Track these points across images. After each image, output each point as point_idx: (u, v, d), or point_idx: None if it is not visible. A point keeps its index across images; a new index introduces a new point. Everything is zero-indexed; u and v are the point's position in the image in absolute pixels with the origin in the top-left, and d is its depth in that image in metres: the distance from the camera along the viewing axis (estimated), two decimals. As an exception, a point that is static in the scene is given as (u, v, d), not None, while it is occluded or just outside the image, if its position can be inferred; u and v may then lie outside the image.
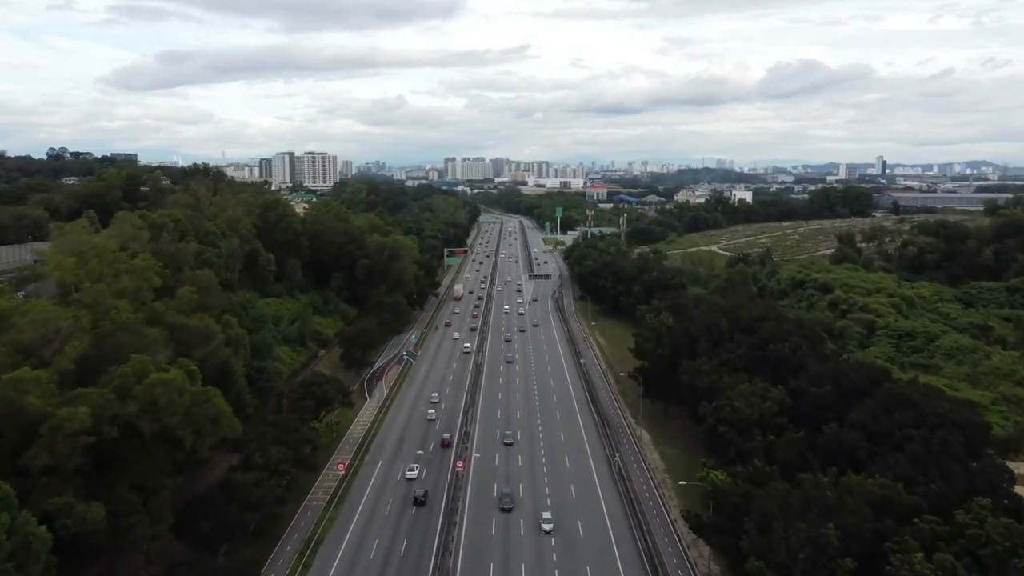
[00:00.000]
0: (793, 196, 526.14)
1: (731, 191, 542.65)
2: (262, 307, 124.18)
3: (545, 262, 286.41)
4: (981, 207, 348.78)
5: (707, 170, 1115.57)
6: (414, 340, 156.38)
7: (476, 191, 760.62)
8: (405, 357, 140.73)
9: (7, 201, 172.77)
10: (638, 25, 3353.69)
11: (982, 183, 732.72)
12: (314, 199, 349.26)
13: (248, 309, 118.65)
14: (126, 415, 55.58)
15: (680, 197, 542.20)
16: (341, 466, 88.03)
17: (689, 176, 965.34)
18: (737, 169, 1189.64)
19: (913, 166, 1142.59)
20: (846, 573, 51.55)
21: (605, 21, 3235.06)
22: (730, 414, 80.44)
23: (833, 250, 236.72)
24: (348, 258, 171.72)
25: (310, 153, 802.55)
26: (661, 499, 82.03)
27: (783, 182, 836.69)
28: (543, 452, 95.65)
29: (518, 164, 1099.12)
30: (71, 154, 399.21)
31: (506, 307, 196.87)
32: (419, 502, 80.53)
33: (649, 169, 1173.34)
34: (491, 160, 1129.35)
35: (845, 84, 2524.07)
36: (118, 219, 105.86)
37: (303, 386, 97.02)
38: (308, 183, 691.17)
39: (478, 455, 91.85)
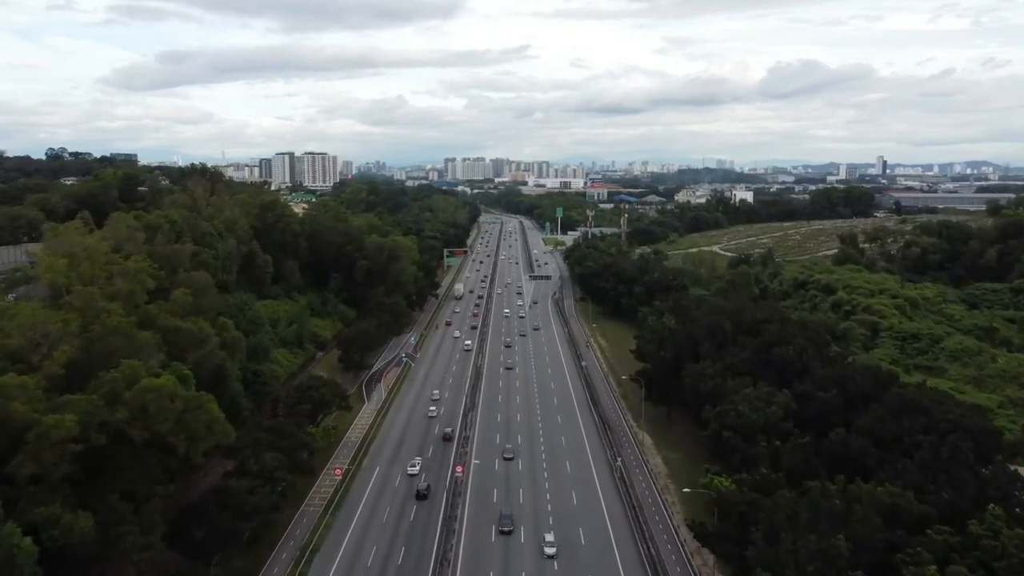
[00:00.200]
0: (794, 196, 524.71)
1: (731, 191, 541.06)
2: (259, 309, 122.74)
3: (545, 263, 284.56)
4: (982, 207, 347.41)
5: (707, 170, 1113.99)
6: (413, 342, 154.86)
7: (476, 191, 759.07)
8: (404, 359, 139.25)
9: (3, 201, 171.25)
10: (638, 25, 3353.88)
11: (983, 183, 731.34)
12: (313, 199, 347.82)
13: (245, 311, 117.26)
14: (115, 422, 54.07)
15: (680, 197, 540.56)
16: (338, 471, 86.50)
17: (689, 176, 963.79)
18: (737, 169, 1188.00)
19: (913, 166, 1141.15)
20: (856, 585, 50.15)
21: (605, 21, 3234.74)
22: (735, 419, 78.93)
23: (835, 251, 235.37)
24: (347, 259, 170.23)
25: (310, 153, 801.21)
26: (664, 505, 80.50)
27: (783, 182, 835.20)
28: (544, 457, 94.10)
29: (518, 164, 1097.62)
30: (70, 154, 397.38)
31: (506, 310, 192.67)
32: (422, 495, 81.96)
33: (649, 169, 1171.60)
34: (491, 160, 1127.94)
35: (845, 84, 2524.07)
36: (112, 220, 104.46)
37: (299, 390, 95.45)
38: (308, 183, 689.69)
39: (477, 461, 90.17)
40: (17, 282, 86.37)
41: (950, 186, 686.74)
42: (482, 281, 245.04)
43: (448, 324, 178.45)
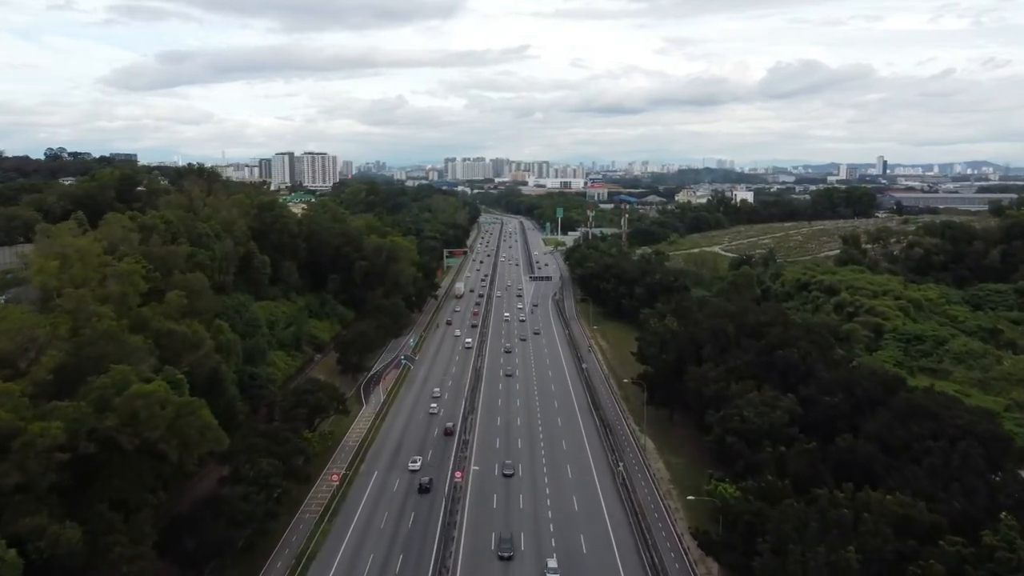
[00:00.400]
0: (795, 196, 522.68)
1: (732, 191, 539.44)
2: (256, 311, 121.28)
3: (546, 264, 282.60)
4: (984, 207, 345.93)
5: (707, 170, 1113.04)
6: (412, 343, 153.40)
7: (476, 191, 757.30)
8: (403, 361, 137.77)
9: (0, 202, 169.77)
10: (638, 25, 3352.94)
11: (983, 183, 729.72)
12: (313, 199, 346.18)
13: (242, 313, 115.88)
14: (105, 429, 52.58)
15: (681, 197, 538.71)
16: (335, 476, 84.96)
17: (690, 176, 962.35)
18: (737, 169, 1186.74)
19: (914, 166, 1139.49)
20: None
21: (605, 21, 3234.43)
22: (739, 424, 77.41)
23: (837, 251, 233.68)
24: (345, 260, 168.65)
25: (310, 153, 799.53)
26: (667, 511, 78.99)
27: (784, 182, 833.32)
28: (544, 462, 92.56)
29: (518, 164, 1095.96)
30: (69, 154, 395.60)
31: (506, 314, 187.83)
32: (424, 489, 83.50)
33: (649, 169, 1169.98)
34: (491, 160, 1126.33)
35: (845, 84, 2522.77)
36: (107, 221, 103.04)
37: (296, 394, 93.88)
38: (308, 183, 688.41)
39: (477, 468, 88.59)
40: (7, 284, 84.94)
41: (951, 186, 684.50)
42: (482, 280, 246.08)
43: (449, 323, 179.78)
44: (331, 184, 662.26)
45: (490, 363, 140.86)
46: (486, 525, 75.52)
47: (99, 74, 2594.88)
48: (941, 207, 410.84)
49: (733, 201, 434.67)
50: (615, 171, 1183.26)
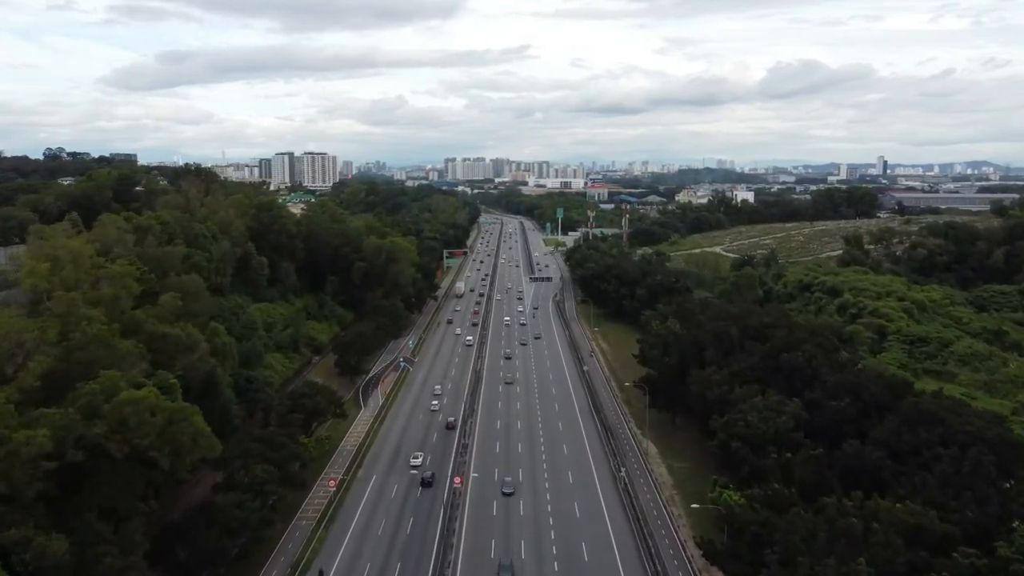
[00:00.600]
0: (795, 196, 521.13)
1: (732, 191, 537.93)
2: (253, 312, 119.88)
3: (547, 265, 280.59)
4: (985, 207, 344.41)
5: (708, 170, 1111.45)
6: (411, 345, 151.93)
7: (476, 191, 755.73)
8: (402, 363, 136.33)
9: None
10: (638, 25, 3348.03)
11: (984, 183, 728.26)
12: (312, 199, 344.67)
13: (238, 315, 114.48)
14: (93, 437, 51.07)
15: (681, 197, 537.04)
16: (332, 482, 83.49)
17: (690, 176, 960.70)
18: (738, 169, 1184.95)
19: (914, 166, 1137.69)
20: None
21: (605, 21, 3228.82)
22: (743, 429, 75.92)
23: (839, 252, 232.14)
24: (344, 261, 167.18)
25: (309, 153, 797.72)
26: (670, 518, 77.49)
27: (784, 182, 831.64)
28: (545, 467, 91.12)
29: (518, 164, 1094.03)
30: (68, 154, 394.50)
31: (507, 318, 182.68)
32: (426, 483, 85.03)
33: (650, 169, 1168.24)
34: (491, 160, 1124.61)
35: (845, 84, 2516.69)
36: (101, 222, 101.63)
37: (292, 398, 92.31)
38: (308, 183, 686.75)
39: (476, 475, 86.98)
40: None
41: (951, 186, 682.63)
42: (483, 280, 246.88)
43: (450, 322, 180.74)
44: (331, 184, 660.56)
45: (490, 368, 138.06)
46: (486, 531, 74.12)
47: (99, 74, 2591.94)
48: (942, 207, 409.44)
49: (734, 201, 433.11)
50: (615, 171, 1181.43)
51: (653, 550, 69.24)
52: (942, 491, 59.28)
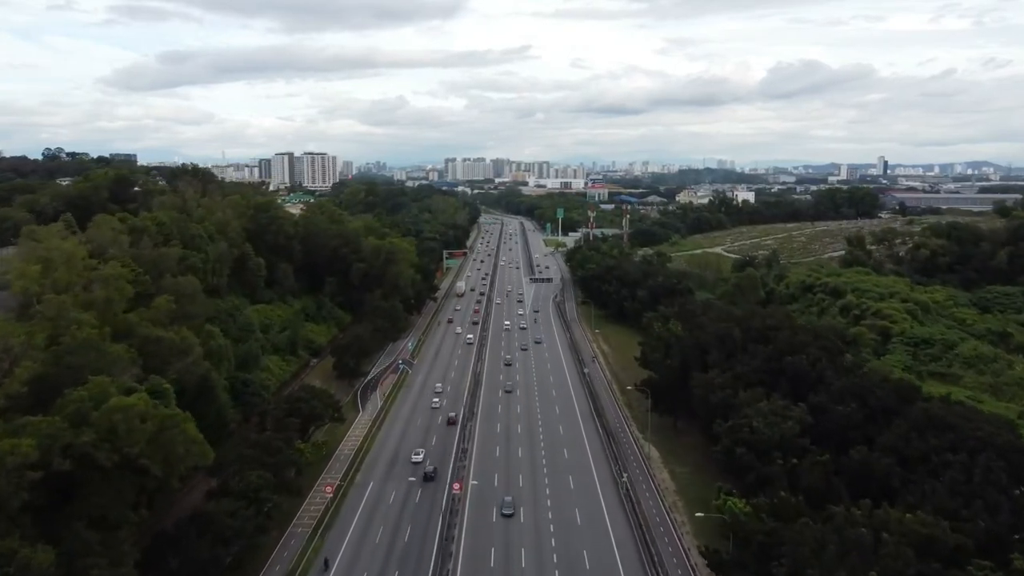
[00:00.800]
0: (796, 196, 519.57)
1: (733, 191, 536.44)
2: (250, 314, 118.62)
3: (547, 266, 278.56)
4: (986, 208, 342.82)
5: (708, 170, 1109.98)
6: (411, 347, 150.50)
7: (476, 191, 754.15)
8: (401, 366, 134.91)
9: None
10: (638, 25, 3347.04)
11: (985, 183, 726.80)
12: (312, 200, 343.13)
13: (235, 317, 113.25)
14: (81, 445, 49.61)
15: (682, 198, 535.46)
16: (329, 488, 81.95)
17: (690, 176, 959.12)
18: (738, 169, 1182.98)
19: (914, 166, 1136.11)
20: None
21: (605, 21, 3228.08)
22: (748, 435, 74.44)
23: (841, 252, 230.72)
24: (342, 262, 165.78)
25: (309, 153, 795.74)
26: (673, 525, 75.96)
27: (784, 182, 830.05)
28: (545, 472, 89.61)
29: (519, 164, 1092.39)
30: (67, 154, 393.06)
31: (507, 323, 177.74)
32: (429, 477, 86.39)
33: (650, 169, 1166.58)
34: (492, 160, 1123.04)
35: (846, 84, 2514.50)
36: (95, 222, 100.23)
37: (288, 402, 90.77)
38: (308, 183, 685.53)
39: (475, 482, 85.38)
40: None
41: (952, 186, 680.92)
42: (483, 279, 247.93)
43: (450, 321, 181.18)
44: (331, 184, 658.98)
45: (490, 374, 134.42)
46: (485, 538, 72.72)
47: (100, 74, 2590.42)
48: (944, 207, 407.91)
49: (735, 201, 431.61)
50: (615, 171, 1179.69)
51: (656, 558, 67.80)
52: (952, 499, 57.81)
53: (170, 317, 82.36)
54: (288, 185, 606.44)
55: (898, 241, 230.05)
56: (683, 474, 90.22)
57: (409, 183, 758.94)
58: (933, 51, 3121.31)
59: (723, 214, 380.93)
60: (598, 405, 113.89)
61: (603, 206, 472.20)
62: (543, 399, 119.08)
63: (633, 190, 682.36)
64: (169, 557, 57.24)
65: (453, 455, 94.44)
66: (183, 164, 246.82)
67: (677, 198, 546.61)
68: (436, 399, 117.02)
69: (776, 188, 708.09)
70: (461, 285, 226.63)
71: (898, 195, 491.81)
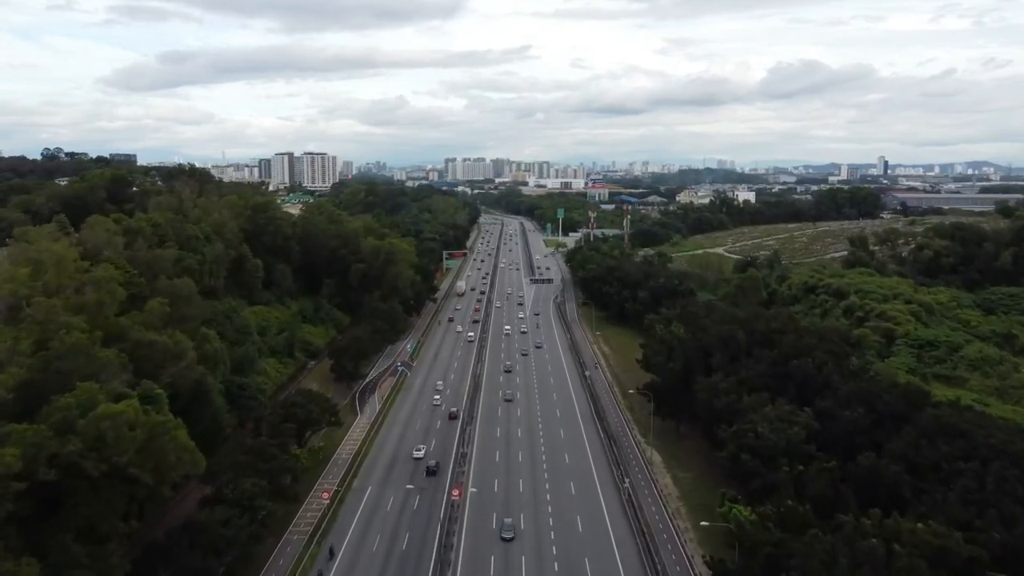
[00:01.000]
0: (797, 197, 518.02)
1: (733, 191, 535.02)
2: (247, 316, 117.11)
3: (547, 267, 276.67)
4: (987, 208, 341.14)
5: (708, 170, 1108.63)
6: (410, 349, 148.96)
7: (476, 191, 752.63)
8: (399, 368, 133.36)
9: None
10: (638, 25, 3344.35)
11: (985, 183, 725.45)
12: (311, 200, 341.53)
13: (232, 319, 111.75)
14: (67, 454, 48.05)
15: (683, 198, 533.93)
16: (326, 495, 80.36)
17: (691, 176, 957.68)
18: (738, 169, 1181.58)
19: (914, 166, 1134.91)
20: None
21: (606, 21, 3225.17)
22: (753, 441, 72.85)
23: (843, 253, 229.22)
24: (341, 262, 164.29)
25: (309, 153, 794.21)
26: (676, 532, 74.42)
27: (785, 182, 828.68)
28: (546, 477, 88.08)
29: (519, 164, 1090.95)
30: (66, 154, 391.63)
31: (507, 327, 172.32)
32: (431, 471, 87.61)
33: (650, 169, 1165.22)
34: (492, 160, 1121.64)
35: (846, 84, 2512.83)
36: (89, 223, 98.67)
37: (284, 406, 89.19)
38: (307, 183, 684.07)
39: (474, 490, 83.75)
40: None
41: (953, 186, 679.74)
42: (483, 278, 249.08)
43: (451, 320, 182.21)
44: (331, 184, 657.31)
45: (489, 379, 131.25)
46: (485, 546, 71.20)
47: (100, 74, 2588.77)
48: (945, 208, 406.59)
49: (736, 202, 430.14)
50: (615, 171, 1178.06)
51: (660, 568, 66.24)
52: (965, 509, 56.27)
53: (164, 320, 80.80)
54: (288, 185, 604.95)
55: (901, 242, 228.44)
56: (686, 479, 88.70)
57: (409, 183, 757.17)
58: (933, 51, 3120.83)
59: (724, 214, 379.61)
60: (599, 408, 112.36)
61: (603, 206, 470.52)
62: (544, 403, 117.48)
63: (633, 190, 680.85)
64: (160, 568, 55.67)
65: (454, 451, 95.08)
66: (180, 164, 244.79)
67: (678, 198, 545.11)
68: (437, 396, 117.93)
69: (776, 188, 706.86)
70: (461, 284, 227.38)
71: (899, 195, 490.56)
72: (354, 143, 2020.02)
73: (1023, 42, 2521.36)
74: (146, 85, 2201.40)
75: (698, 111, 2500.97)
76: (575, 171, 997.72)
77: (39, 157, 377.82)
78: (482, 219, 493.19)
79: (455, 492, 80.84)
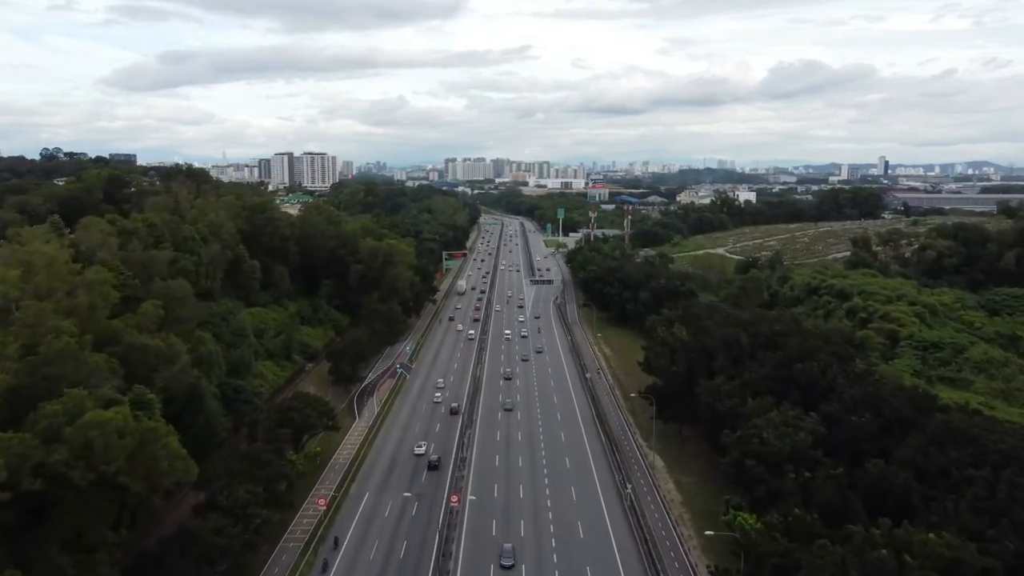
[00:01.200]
0: (798, 197, 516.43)
1: (734, 192, 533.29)
2: (244, 318, 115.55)
3: (548, 268, 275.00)
4: (988, 208, 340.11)
5: (708, 170, 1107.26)
6: (409, 351, 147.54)
7: (476, 192, 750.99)
8: (399, 370, 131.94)
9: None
10: (639, 25, 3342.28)
11: (986, 183, 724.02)
12: (311, 200, 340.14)
13: (228, 321, 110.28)
14: (53, 464, 46.64)
15: (683, 198, 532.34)
16: (322, 501, 78.82)
17: (691, 176, 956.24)
18: (738, 169, 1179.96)
19: (915, 166, 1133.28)
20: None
21: (605, 21, 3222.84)
22: (758, 446, 71.40)
23: (846, 253, 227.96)
24: (340, 263, 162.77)
25: (309, 153, 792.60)
26: (680, 540, 72.94)
27: (785, 183, 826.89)
28: (547, 483, 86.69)
29: (519, 164, 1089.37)
30: (65, 154, 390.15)
31: (507, 332, 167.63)
32: (433, 466, 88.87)
33: (650, 169, 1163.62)
34: (492, 160, 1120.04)
35: (846, 84, 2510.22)
36: (83, 224, 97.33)
37: (281, 410, 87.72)
38: (307, 183, 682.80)
39: (473, 497, 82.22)
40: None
41: (953, 186, 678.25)
42: (483, 277, 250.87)
43: (451, 319, 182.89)
44: (330, 184, 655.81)
45: (489, 383, 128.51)
46: (484, 553, 69.78)
47: (100, 74, 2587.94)
48: (946, 208, 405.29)
49: (736, 202, 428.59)
50: (616, 171, 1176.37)
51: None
52: (976, 518, 54.87)
53: (158, 322, 79.39)
54: (288, 185, 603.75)
55: (904, 242, 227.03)
56: (689, 484, 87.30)
57: (409, 183, 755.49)
58: (933, 51, 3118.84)
59: (725, 214, 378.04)
60: (600, 412, 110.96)
61: (604, 206, 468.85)
62: (544, 407, 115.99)
63: (634, 190, 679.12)
64: (151, 579, 54.32)
65: (454, 451, 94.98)
66: (179, 164, 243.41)
67: (678, 198, 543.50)
68: (438, 394, 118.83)
69: (777, 188, 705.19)
70: (462, 284, 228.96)
71: (900, 195, 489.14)
72: (354, 143, 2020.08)
73: (1023, 42, 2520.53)
74: (146, 85, 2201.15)
75: (698, 111, 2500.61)
76: (575, 171, 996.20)
77: (38, 157, 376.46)
78: (482, 219, 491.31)
79: (454, 499, 79.40)
